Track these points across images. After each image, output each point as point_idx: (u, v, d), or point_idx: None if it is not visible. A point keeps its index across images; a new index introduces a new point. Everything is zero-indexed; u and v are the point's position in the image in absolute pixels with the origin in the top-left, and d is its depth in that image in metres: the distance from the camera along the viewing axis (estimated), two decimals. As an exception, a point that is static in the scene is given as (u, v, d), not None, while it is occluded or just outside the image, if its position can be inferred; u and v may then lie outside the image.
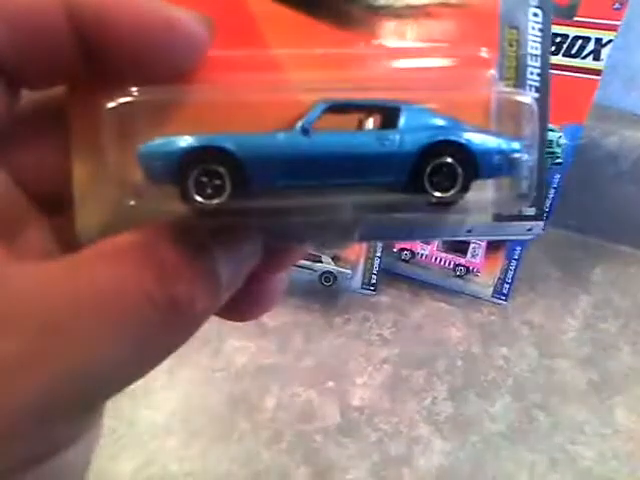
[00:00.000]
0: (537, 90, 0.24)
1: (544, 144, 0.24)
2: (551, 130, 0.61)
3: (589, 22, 0.57)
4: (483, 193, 0.22)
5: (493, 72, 0.23)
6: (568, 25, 0.57)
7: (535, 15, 0.24)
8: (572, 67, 0.59)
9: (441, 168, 0.21)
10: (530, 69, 0.24)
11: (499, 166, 0.21)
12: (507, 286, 0.71)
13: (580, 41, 0.58)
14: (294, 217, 0.21)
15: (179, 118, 0.21)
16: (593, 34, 0.58)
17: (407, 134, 0.21)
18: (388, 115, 0.21)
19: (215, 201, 0.19)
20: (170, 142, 0.20)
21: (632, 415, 0.61)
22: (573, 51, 0.59)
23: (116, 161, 0.21)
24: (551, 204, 0.66)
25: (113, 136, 0.20)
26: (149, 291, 0.19)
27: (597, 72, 0.59)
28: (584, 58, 0.59)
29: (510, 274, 0.71)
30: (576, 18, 0.57)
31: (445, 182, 0.21)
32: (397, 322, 0.69)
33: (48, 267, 0.18)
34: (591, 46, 0.58)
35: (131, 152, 0.20)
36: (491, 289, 0.72)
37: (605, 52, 0.58)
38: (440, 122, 0.21)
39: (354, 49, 0.23)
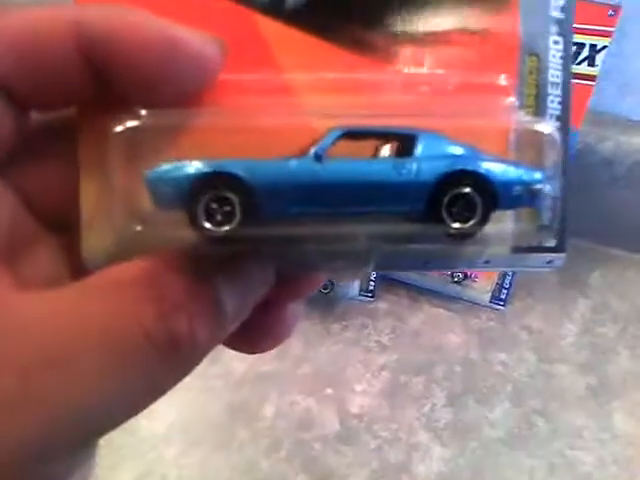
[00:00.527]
0: (558, 119, 0.24)
1: (566, 174, 0.23)
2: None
3: (584, 28, 0.58)
4: (502, 224, 0.21)
5: (513, 100, 0.23)
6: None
7: (556, 43, 0.23)
8: (567, 73, 0.59)
9: (459, 198, 0.20)
10: (551, 97, 0.23)
11: (519, 197, 0.21)
12: (505, 291, 0.71)
13: (575, 47, 0.59)
14: (306, 246, 0.21)
15: (188, 142, 0.21)
16: (588, 40, 0.58)
17: (424, 163, 0.20)
18: (404, 143, 0.21)
19: (224, 228, 0.19)
20: (179, 167, 0.19)
21: (631, 420, 0.61)
22: (568, 57, 0.59)
23: (123, 186, 0.20)
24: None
25: (120, 160, 0.20)
26: (147, 327, 0.18)
27: (592, 78, 0.59)
28: (579, 64, 0.59)
29: (508, 279, 0.71)
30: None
31: (463, 213, 0.20)
32: (395, 328, 0.69)
33: (48, 298, 0.18)
34: (586, 52, 0.59)
35: (138, 177, 0.20)
36: (489, 295, 0.72)
37: (600, 58, 0.58)
38: (458, 150, 0.21)
39: (371, 75, 0.22)
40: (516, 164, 0.21)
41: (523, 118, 0.23)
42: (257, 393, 0.63)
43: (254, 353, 0.26)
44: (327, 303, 0.71)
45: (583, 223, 0.76)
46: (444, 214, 0.20)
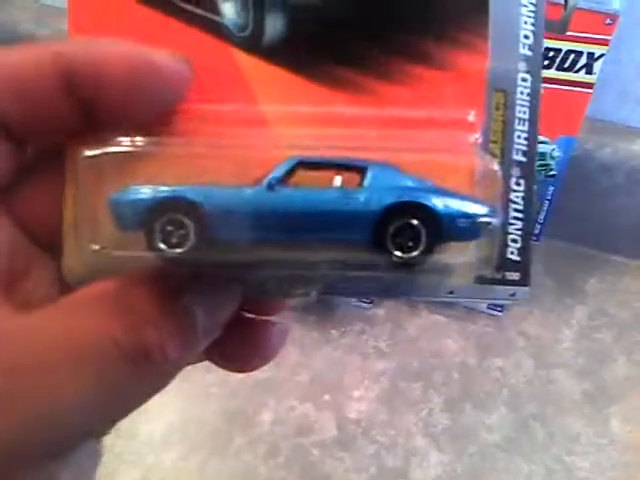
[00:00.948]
0: (524, 154, 0.24)
1: (531, 212, 0.23)
2: (545, 143, 0.61)
3: (581, 37, 0.58)
4: (445, 257, 0.22)
5: (476, 135, 0.23)
6: (561, 40, 0.58)
7: (524, 80, 0.24)
8: (565, 80, 0.60)
9: (405, 229, 0.21)
10: (517, 133, 0.24)
11: (465, 229, 0.21)
12: (502, 297, 0.71)
13: (573, 55, 0.59)
14: (257, 271, 0.22)
15: (155, 168, 0.22)
16: (585, 48, 0.58)
17: (372, 193, 0.21)
18: (355, 174, 0.21)
19: (178, 250, 0.20)
20: (139, 191, 0.20)
21: (628, 425, 0.61)
22: (566, 65, 0.59)
23: (90, 208, 0.21)
24: (545, 216, 0.66)
25: (87, 184, 0.21)
26: (117, 339, 0.19)
27: (590, 85, 0.60)
28: (577, 72, 0.59)
29: (505, 285, 0.71)
30: (568, 33, 0.57)
31: (408, 243, 0.21)
32: (393, 334, 0.69)
33: (35, 316, 0.19)
34: (583, 60, 0.59)
35: (103, 200, 0.21)
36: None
37: (597, 66, 0.59)
38: (407, 182, 0.21)
39: (344, 109, 0.23)
40: (464, 197, 0.22)
41: (480, 155, 0.23)
42: (255, 399, 0.63)
43: (242, 372, 0.27)
44: (325, 309, 0.71)
45: (581, 229, 0.77)
46: (389, 244, 0.21)
